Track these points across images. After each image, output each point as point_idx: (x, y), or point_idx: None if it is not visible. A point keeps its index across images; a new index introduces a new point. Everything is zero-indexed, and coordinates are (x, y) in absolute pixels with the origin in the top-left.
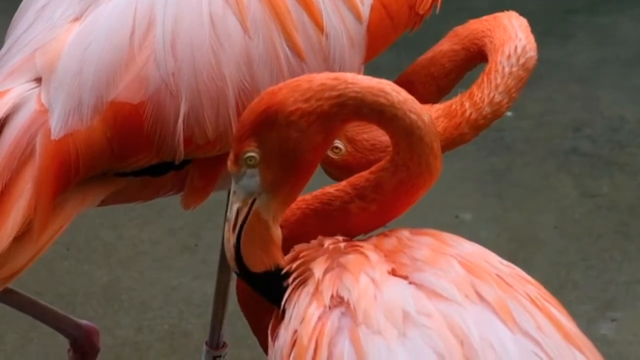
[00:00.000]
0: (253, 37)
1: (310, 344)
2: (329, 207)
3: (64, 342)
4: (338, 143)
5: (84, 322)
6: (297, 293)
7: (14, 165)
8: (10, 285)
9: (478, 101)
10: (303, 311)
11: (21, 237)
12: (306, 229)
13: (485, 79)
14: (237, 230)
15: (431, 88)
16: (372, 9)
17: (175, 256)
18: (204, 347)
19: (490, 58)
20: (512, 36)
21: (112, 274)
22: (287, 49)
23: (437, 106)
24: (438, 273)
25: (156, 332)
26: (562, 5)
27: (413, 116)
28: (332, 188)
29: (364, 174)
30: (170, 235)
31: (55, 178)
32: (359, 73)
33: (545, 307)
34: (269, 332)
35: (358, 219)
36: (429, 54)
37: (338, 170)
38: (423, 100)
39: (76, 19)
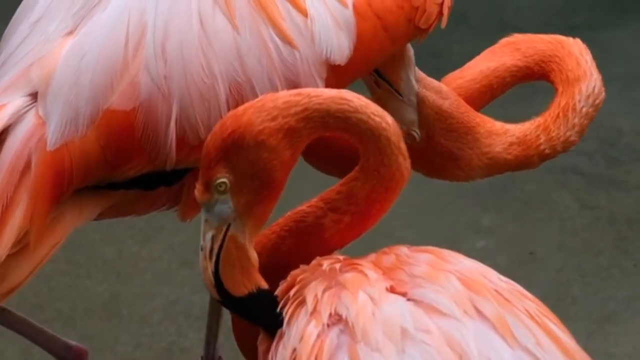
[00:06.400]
0: (241, 31)
1: None
2: (302, 225)
3: None
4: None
5: (73, 343)
6: (296, 314)
7: (16, 179)
8: (7, 301)
9: (554, 138)
10: (302, 330)
11: (18, 252)
12: (284, 251)
13: (561, 115)
14: (213, 258)
15: (486, 98)
16: (365, 19)
17: (175, 271)
18: None
19: (561, 89)
20: (587, 73)
21: (113, 289)
22: (276, 38)
23: (512, 131)
24: (437, 289)
25: (154, 349)
26: (562, 21)
27: (377, 119)
28: (304, 206)
29: (335, 187)
30: (170, 250)
31: (51, 188)
32: (349, 55)
33: (544, 322)
34: (260, 357)
35: (334, 232)
36: (489, 63)
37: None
38: (474, 108)
39: (70, 33)
